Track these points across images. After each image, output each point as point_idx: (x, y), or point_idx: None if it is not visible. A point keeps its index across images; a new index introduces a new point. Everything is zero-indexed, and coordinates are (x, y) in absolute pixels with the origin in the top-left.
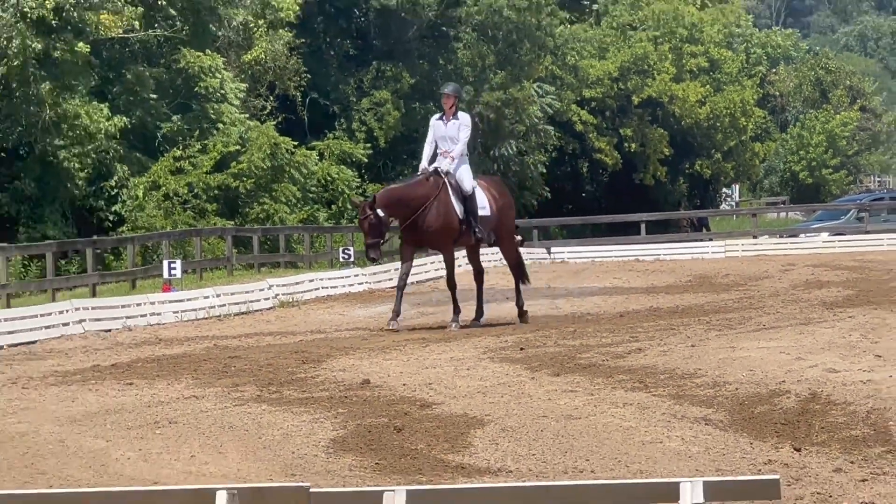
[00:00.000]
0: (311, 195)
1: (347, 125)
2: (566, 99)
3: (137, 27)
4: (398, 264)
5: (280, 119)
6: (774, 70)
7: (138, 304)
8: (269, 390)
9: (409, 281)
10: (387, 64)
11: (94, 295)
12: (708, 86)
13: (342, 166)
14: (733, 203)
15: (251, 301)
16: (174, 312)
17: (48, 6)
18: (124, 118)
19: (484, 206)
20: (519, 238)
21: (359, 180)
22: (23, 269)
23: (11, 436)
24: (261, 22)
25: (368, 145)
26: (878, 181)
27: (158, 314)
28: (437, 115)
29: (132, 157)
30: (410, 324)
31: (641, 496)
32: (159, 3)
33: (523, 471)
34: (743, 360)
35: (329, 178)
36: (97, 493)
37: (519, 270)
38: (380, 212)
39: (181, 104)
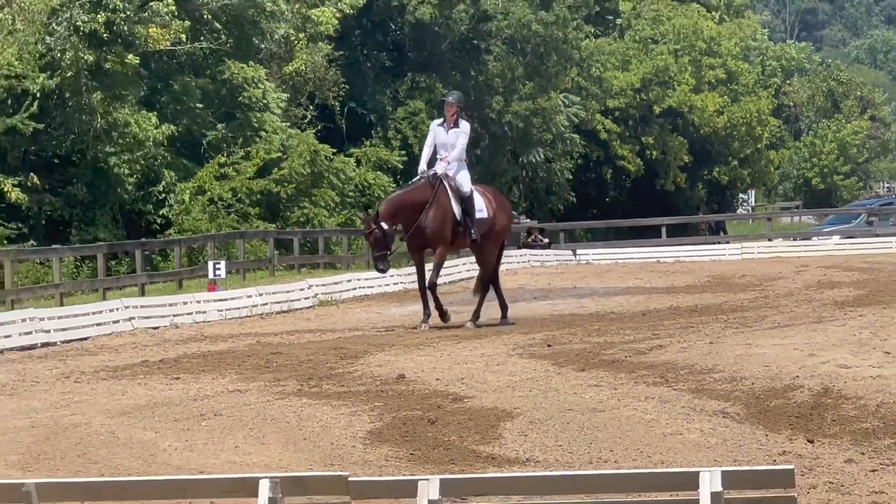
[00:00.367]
0: (348, 200)
1: (383, 133)
2: (591, 109)
3: (184, 40)
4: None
5: (319, 127)
6: (789, 81)
7: (185, 303)
8: (310, 384)
9: (437, 280)
10: (421, 75)
11: (142, 294)
12: (725, 96)
13: (378, 172)
14: (749, 208)
15: (292, 300)
16: (219, 311)
17: (100, 20)
18: (172, 126)
19: (481, 208)
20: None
21: (394, 186)
22: (75, 270)
23: (65, 427)
24: (301, 35)
25: (403, 152)
26: (887, 187)
27: (204, 312)
28: (438, 121)
29: (179, 164)
30: (437, 323)
31: (663, 485)
32: (205, 17)
33: (550, 461)
34: (759, 356)
35: (366, 184)
36: (146, 482)
37: (487, 281)
38: (384, 224)
39: (225, 113)
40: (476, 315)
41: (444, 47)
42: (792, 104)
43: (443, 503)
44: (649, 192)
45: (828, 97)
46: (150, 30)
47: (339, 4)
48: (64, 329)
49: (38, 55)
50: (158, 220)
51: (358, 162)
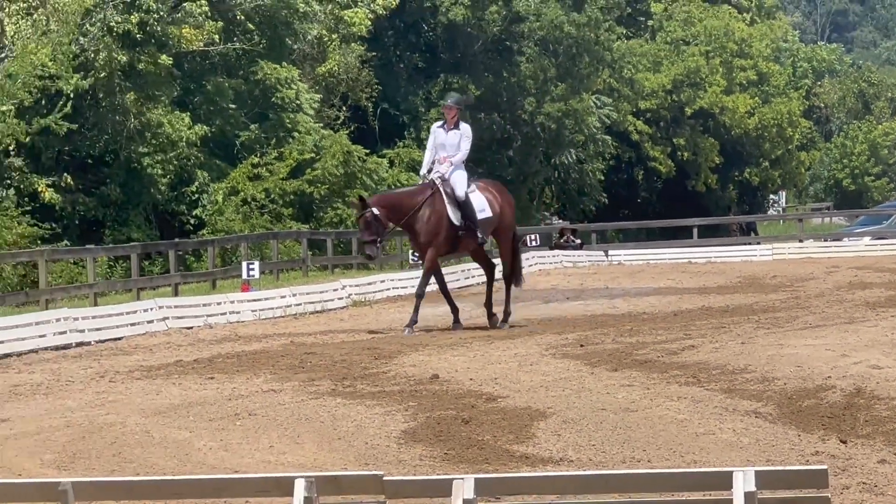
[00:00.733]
0: None
1: (416, 134)
2: (623, 110)
3: (217, 41)
4: (469, 265)
5: (352, 128)
6: (819, 83)
7: (218, 303)
8: (344, 384)
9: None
10: (454, 76)
11: (176, 294)
12: (756, 98)
13: (411, 173)
14: (780, 209)
15: (325, 300)
16: (252, 311)
17: (133, 21)
18: (205, 127)
19: (483, 208)
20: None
21: None
22: (109, 270)
23: (100, 426)
24: (334, 36)
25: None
26: None
27: (237, 312)
28: (438, 123)
29: (212, 164)
30: (475, 322)
31: (696, 484)
32: (238, 17)
33: (584, 460)
34: (790, 356)
35: (399, 185)
36: (181, 481)
37: (513, 274)
38: (375, 210)
39: (259, 114)
40: (506, 315)
41: (476, 48)
42: (823, 105)
43: (477, 502)
44: (680, 194)
45: (859, 98)
46: (183, 30)
47: (372, 5)
48: (98, 329)
49: (71, 56)
50: (192, 221)
51: (391, 163)
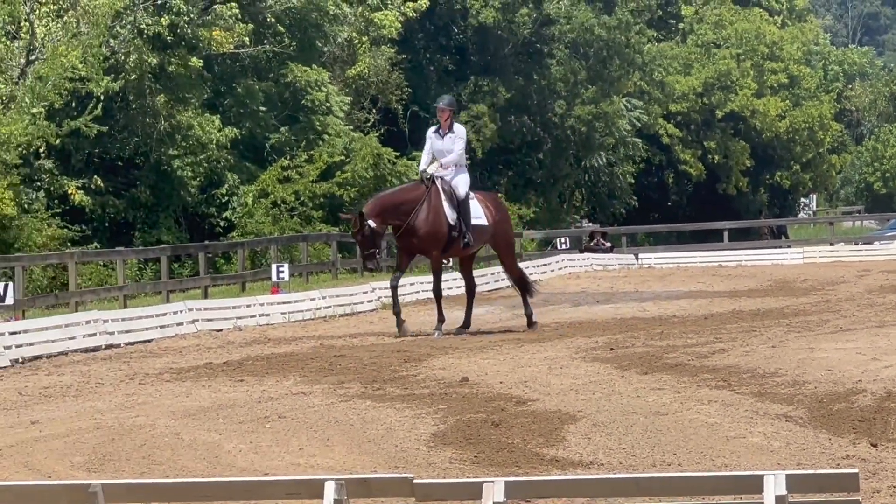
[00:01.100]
0: None
1: None
2: (653, 113)
3: (247, 43)
4: (496, 268)
5: (382, 131)
6: (851, 86)
7: (248, 306)
8: (373, 387)
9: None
10: (484, 79)
11: (205, 296)
12: (787, 101)
13: None
14: (811, 212)
15: (355, 303)
16: (282, 313)
17: (163, 23)
18: (235, 129)
19: (479, 216)
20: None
21: None
22: (138, 272)
23: (130, 428)
24: (364, 39)
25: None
26: None
27: (267, 315)
28: (433, 128)
29: (242, 167)
30: (504, 325)
31: (727, 488)
32: (268, 20)
33: (614, 464)
34: (821, 360)
35: None
36: (211, 483)
37: (522, 285)
38: (371, 223)
39: (289, 116)
40: (530, 319)
41: (506, 51)
42: (854, 109)
43: None
44: (711, 197)
45: (890, 101)
46: (213, 33)
47: (402, 8)
48: (128, 331)
49: (102, 58)
50: (221, 223)
51: None
